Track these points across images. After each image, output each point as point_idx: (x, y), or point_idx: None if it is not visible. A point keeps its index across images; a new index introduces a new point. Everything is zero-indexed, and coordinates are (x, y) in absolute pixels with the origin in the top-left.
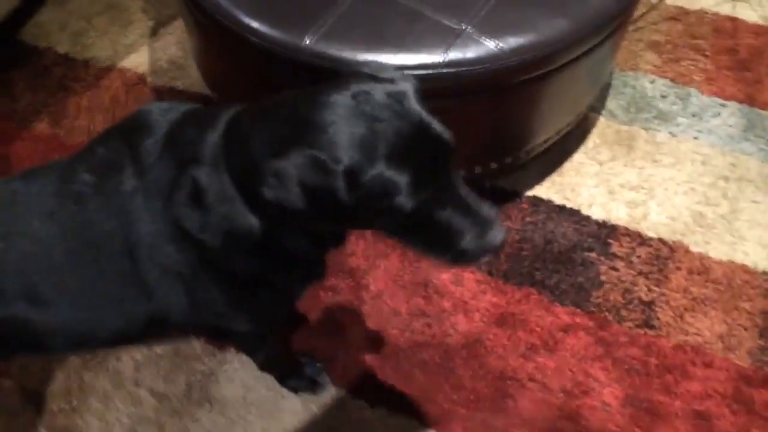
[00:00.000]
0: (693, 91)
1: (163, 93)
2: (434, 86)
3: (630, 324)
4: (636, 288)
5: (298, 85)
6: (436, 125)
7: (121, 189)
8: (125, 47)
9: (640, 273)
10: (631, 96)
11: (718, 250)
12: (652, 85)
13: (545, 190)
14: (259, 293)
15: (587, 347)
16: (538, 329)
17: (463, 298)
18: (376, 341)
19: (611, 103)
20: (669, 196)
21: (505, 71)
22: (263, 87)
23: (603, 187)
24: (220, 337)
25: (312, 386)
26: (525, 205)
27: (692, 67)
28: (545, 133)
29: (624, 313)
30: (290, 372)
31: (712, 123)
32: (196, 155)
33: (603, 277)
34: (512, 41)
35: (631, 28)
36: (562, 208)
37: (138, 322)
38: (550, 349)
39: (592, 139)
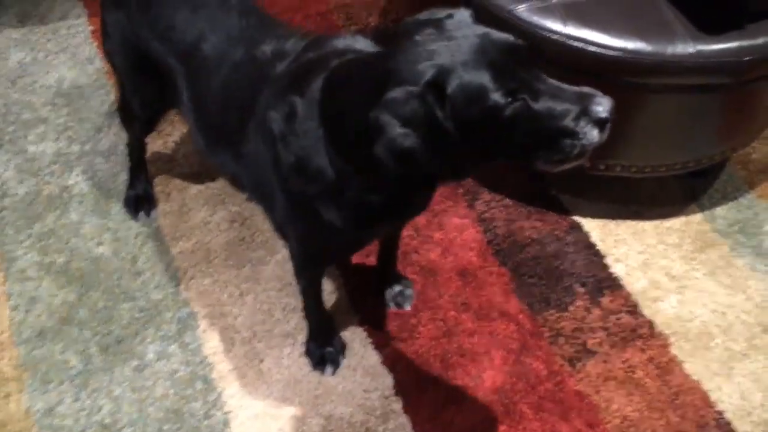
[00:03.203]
0: None
1: None
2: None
3: (557, 350)
4: (591, 335)
5: None
6: (500, 33)
7: (271, 73)
8: None
9: (605, 329)
10: (746, 219)
11: (694, 368)
12: None
13: (592, 224)
14: (309, 219)
15: (507, 336)
16: (483, 298)
17: (453, 242)
18: None
19: (720, 211)
20: (694, 303)
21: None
22: None
23: (644, 258)
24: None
25: (320, 363)
26: (564, 223)
27: None
28: (633, 156)
29: (561, 341)
30: (321, 333)
31: None
32: (303, 86)
33: (571, 308)
34: None
35: None
36: (591, 246)
37: (228, 164)
38: (478, 316)
39: (674, 222)
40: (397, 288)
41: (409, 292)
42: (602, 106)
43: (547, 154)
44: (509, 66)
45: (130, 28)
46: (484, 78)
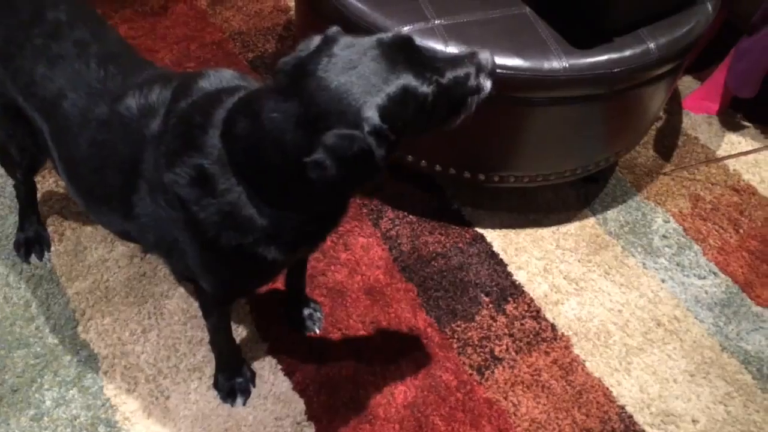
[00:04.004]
0: (697, 249)
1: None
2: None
3: (466, 360)
4: (497, 342)
5: None
6: (385, 34)
7: (146, 131)
8: None
9: (511, 335)
10: (635, 220)
11: (595, 365)
12: (663, 224)
13: (494, 235)
14: (237, 263)
15: (416, 351)
16: (392, 315)
17: (359, 262)
18: None
19: (611, 214)
20: (593, 303)
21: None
22: None
23: (544, 263)
24: (185, 279)
25: (230, 394)
26: (467, 235)
27: (715, 233)
28: (523, 166)
29: (469, 350)
30: (229, 364)
31: (691, 281)
32: (196, 144)
33: (477, 317)
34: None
35: (687, 173)
36: (493, 255)
37: (115, 223)
38: (387, 334)
39: (569, 227)
40: (306, 311)
41: (318, 315)
42: (488, 59)
43: (457, 116)
44: (414, 57)
45: None
46: (407, 80)
